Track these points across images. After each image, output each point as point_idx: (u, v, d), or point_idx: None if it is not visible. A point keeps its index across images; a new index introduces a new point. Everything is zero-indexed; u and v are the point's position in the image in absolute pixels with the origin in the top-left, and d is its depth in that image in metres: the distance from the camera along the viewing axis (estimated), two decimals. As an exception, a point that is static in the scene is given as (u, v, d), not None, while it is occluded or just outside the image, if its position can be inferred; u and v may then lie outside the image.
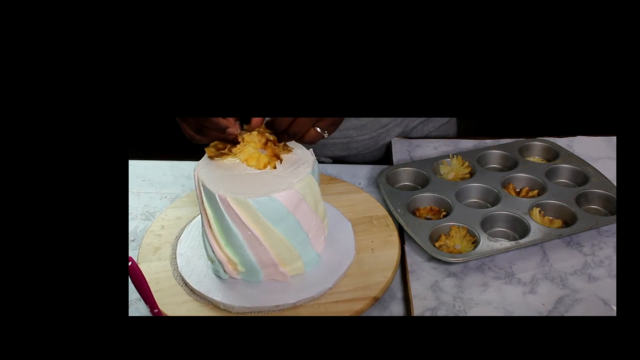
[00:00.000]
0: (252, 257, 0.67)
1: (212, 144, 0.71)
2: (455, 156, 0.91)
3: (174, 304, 0.68)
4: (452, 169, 0.90)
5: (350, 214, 0.81)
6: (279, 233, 0.66)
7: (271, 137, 0.70)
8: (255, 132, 0.70)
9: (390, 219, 0.80)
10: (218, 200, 0.65)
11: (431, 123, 1.05)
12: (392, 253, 0.74)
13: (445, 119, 1.07)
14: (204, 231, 0.70)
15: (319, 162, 0.71)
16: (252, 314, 0.67)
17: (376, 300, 0.68)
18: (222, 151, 0.70)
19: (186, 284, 0.71)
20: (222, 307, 0.68)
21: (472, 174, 0.89)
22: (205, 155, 0.71)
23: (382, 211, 0.82)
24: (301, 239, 0.68)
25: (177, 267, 0.73)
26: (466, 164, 0.91)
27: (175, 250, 0.76)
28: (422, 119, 1.04)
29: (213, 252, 0.69)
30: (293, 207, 0.65)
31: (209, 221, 0.67)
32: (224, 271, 0.69)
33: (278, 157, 0.69)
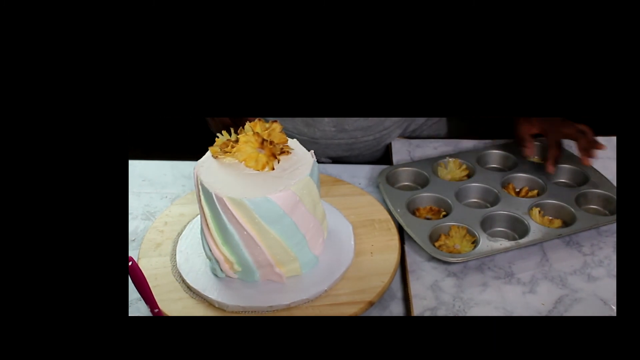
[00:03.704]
0: (248, 257, 0.68)
1: (215, 144, 0.71)
2: (451, 159, 0.91)
3: (170, 300, 0.68)
4: (448, 172, 0.90)
5: (353, 217, 0.81)
6: (275, 234, 0.66)
7: (267, 137, 0.70)
8: (250, 132, 0.70)
9: (392, 222, 0.80)
10: (215, 199, 0.65)
11: (426, 123, 1.06)
12: (391, 257, 0.74)
13: (437, 117, 1.08)
14: (202, 229, 0.70)
15: (319, 163, 0.71)
16: (246, 314, 0.67)
17: (371, 304, 0.68)
18: (226, 149, 0.70)
19: (183, 281, 0.71)
20: (216, 306, 0.68)
21: (470, 174, 0.89)
22: (206, 155, 0.72)
23: (385, 215, 0.82)
24: (298, 241, 0.68)
25: (176, 263, 0.73)
26: (463, 166, 0.91)
27: (176, 246, 0.76)
28: (421, 122, 1.04)
29: (210, 250, 0.69)
30: (289, 209, 0.65)
31: (207, 220, 0.68)
32: (221, 270, 0.70)
33: (276, 157, 0.69)
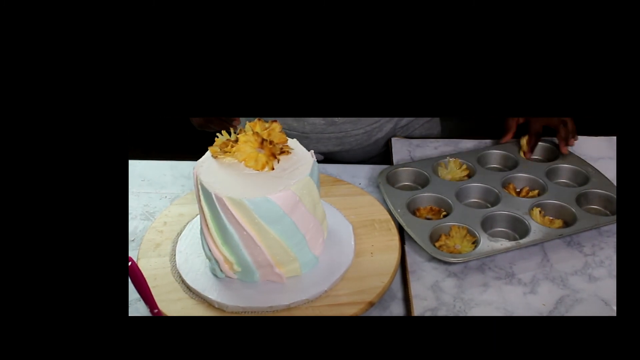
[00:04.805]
0: (247, 257, 0.67)
1: (215, 144, 0.71)
2: (452, 159, 0.91)
3: (170, 301, 0.68)
4: (449, 172, 0.90)
5: (353, 217, 0.81)
6: (275, 234, 0.66)
7: (267, 137, 0.70)
8: (250, 132, 0.70)
9: (392, 223, 0.80)
10: (214, 199, 0.65)
11: (417, 120, 1.06)
12: (392, 258, 0.74)
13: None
14: (202, 230, 0.70)
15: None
16: (246, 314, 0.67)
17: (372, 305, 0.68)
18: (225, 149, 0.70)
19: (183, 282, 0.71)
20: (216, 306, 0.68)
21: (471, 174, 0.89)
22: (206, 155, 0.71)
23: (385, 215, 0.81)
24: (298, 241, 0.68)
25: (176, 264, 0.73)
26: (464, 166, 0.90)
27: (175, 247, 0.76)
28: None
29: (210, 250, 0.69)
30: (289, 209, 0.65)
31: (206, 220, 0.67)
32: (221, 270, 0.69)
33: (275, 157, 0.69)
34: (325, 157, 1.05)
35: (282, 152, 0.69)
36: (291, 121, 0.99)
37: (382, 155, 1.06)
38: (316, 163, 0.70)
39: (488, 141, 1.00)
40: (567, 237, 0.78)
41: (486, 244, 0.75)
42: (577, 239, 0.78)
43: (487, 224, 0.79)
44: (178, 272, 0.72)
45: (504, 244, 0.75)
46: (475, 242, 0.76)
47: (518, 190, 0.87)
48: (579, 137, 1.00)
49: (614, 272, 0.73)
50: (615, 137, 0.98)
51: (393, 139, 1.02)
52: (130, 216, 0.85)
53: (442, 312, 0.68)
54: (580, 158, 0.92)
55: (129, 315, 0.68)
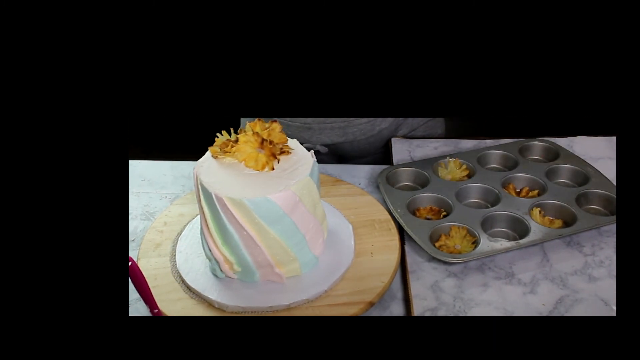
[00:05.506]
0: (247, 257, 0.68)
1: (215, 144, 0.71)
2: (451, 159, 0.91)
3: (170, 301, 0.68)
4: (449, 172, 0.90)
5: (353, 217, 0.81)
6: (275, 234, 0.66)
7: (267, 137, 0.70)
8: (250, 132, 0.70)
9: (392, 223, 0.80)
10: (215, 199, 0.65)
11: None
12: (391, 258, 0.74)
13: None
14: (202, 230, 0.70)
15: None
16: (246, 314, 0.67)
17: (372, 305, 0.68)
18: (225, 149, 0.70)
19: (183, 282, 0.71)
20: (216, 306, 0.68)
21: (470, 174, 0.89)
22: (206, 155, 0.72)
23: (385, 215, 0.82)
24: (298, 241, 0.68)
25: (176, 264, 0.73)
26: (463, 167, 0.90)
27: (175, 247, 0.76)
28: None
29: (210, 250, 0.69)
30: (289, 209, 0.65)
31: (207, 220, 0.68)
32: (221, 270, 0.70)
33: (275, 157, 0.69)
34: (330, 150, 1.04)
35: (282, 152, 0.69)
36: None
37: (382, 155, 1.06)
38: (316, 163, 0.70)
39: (488, 141, 1.00)
40: (567, 237, 0.78)
41: (486, 244, 0.75)
42: (577, 239, 0.78)
43: (487, 224, 0.79)
44: (178, 272, 0.72)
45: (504, 244, 0.75)
46: (475, 242, 0.76)
47: (518, 190, 0.87)
48: (579, 137, 1.00)
49: (614, 272, 0.73)
50: (615, 137, 0.98)
51: (393, 139, 1.02)
52: (130, 216, 0.85)
53: (442, 312, 0.68)
54: (580, 158, 0.92)
55: (129, 315, 0.68)
